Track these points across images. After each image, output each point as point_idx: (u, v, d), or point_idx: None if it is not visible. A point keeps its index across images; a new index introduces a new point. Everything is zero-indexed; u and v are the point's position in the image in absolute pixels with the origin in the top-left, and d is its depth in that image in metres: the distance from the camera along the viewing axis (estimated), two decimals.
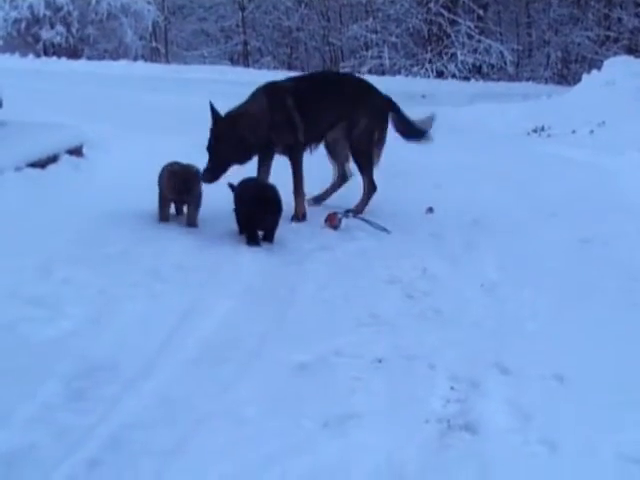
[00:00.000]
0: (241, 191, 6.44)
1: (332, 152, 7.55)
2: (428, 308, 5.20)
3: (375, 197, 7.44)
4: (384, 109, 7.51)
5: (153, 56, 30.33)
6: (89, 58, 26.79)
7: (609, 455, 3.53)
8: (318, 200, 7.50)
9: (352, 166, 7.58)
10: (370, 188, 7.42)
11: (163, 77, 22.06)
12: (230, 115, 6.77)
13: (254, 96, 6.99)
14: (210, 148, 6.71)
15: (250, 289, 5.39)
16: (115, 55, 28.42)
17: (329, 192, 7.65)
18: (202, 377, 4.08)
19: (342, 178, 7.66)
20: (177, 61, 28.75)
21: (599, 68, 16.65)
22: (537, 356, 4.46)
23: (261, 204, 6.20)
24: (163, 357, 4.25)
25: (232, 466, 3.33)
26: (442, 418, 3.80)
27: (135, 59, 27.48)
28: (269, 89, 7.05)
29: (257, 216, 6.25)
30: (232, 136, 6.68)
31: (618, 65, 15.82)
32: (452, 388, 4.10)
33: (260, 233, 6.34)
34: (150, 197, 6.64)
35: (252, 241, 6.23)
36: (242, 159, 6.84)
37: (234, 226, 6.39)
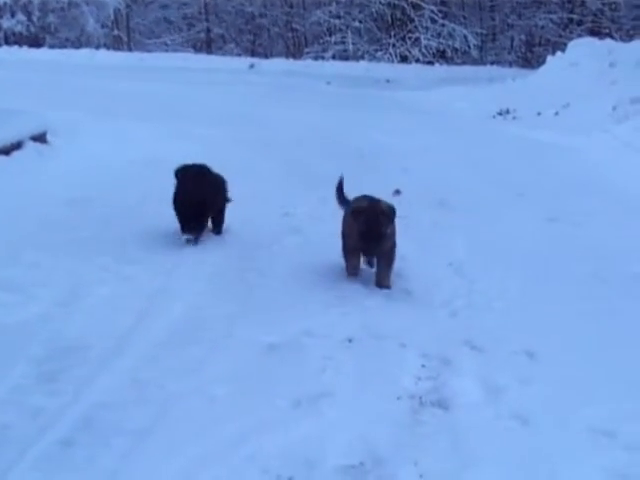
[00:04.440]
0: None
1: None
2: (398, 289, 5.20)
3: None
4: None
5: (115, 44, 30.08)
6: (51, 47, 26.63)
7: (580, 428, 3.56)
8: None
9: None
10: None
11: (126, 65, 21.98)
12: None
13: None
14: None
15: (218, 272, 5.38)
16: (77, 44, 28.24)
17: None
18: (172, 358, 4.07)
19: None
20: (139, 49, 28.50)
21: (563, 50, 16.76)
22: (507, 333, 4.49)
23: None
24: (133, 338, 4.25)
25: (204, 444, 3.32)
26: (414, 395, 3.81)
27: (97, 47, 27.29)
28: None
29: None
30: None
31: (582, 47, 15.90)
32: (423, 366, 4.11)
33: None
34: (117, 183, 6.61)
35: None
36: None
37: None
